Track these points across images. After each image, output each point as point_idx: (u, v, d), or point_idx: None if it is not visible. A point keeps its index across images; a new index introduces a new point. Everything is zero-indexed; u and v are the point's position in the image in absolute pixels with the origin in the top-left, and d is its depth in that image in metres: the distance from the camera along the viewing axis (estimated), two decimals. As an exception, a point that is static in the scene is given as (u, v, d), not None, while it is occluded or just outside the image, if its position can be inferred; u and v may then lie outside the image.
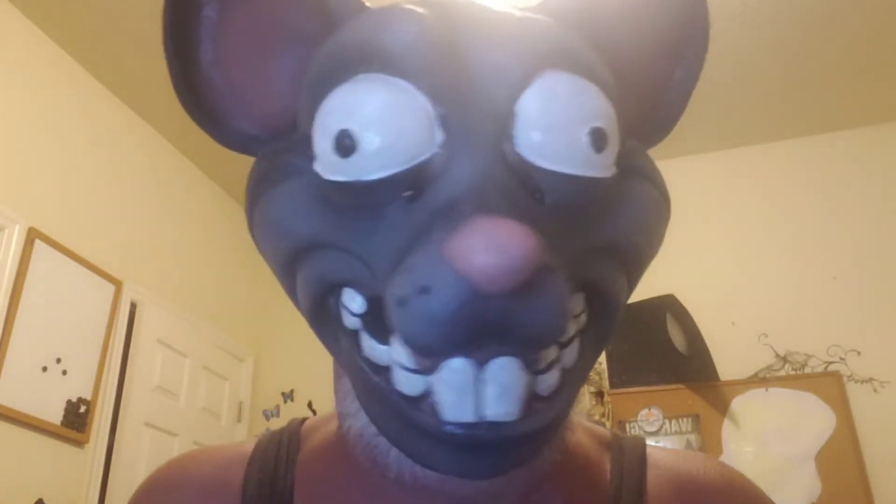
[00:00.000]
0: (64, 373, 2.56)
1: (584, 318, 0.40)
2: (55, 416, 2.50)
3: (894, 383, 2.82)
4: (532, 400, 0.36)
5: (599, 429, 0.53)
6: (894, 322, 2.90)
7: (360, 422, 0.43)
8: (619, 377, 3.02)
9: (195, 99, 0.44)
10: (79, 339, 2.66)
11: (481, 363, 0.34)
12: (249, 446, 0.53)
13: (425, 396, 0.36)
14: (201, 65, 0.44)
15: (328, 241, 0.39)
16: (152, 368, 2.98)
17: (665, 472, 0.50)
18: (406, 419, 0.36)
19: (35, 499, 2.39)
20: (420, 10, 0.40)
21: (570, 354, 0.39)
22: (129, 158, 3.08)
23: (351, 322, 0.39)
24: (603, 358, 3.01)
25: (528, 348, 0.35)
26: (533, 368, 0.36)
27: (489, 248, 0.31)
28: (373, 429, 0.41)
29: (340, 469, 0.47)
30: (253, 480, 0.49)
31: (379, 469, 0.42)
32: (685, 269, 3.03)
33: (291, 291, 0.43)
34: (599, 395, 2.87)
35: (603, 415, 2.82)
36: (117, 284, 2.85)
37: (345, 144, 0.37)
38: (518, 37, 0.39)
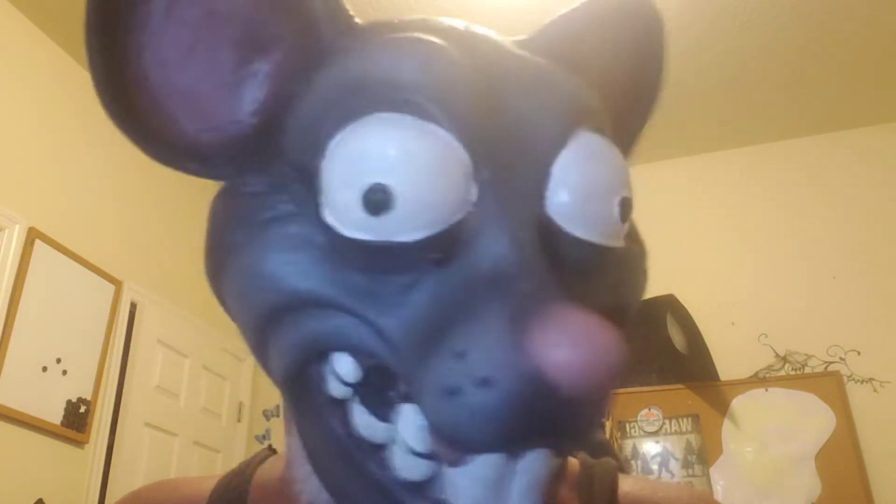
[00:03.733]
0: (64, 373, 2.56)
1: None
2: (55, 416, 2.50)
3: (894, 383, 2.82)
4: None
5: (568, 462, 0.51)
6: (894, 322, 2.89)
7: (310, 488, 0.38)
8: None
9: (121, 98, 0.36)
10: (79, 339, 2.66)
11: (514, 456, 0.31)
12: (210, 485, 0.51)
13: (429, 484, 0.32)
14: (132, 56, 0.36)
15: (327, 299, 0.33)
16: (152, 368, 2.98)
17: None
18: None
19: (35, 499, 2.39)
20: (445, 44, 0.35)
21: None
22: (129, 159, 3.07)
23: (340, 391, 0.35)
24: (603, 358, 3.00)
25: (570, 443, 0.33)
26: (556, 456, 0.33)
27: (579, 344, 0.28)
28: (325, 496, 0.37)
29: None
30: None
31: None
32: (685, 269, 3.03)
33: (261, 352, 0.37)
34: (599, 395, 2.87)
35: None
36: (117, 284, 2.84)
37: (376, 200, 0.31)
38: (550, 89, 0.36)
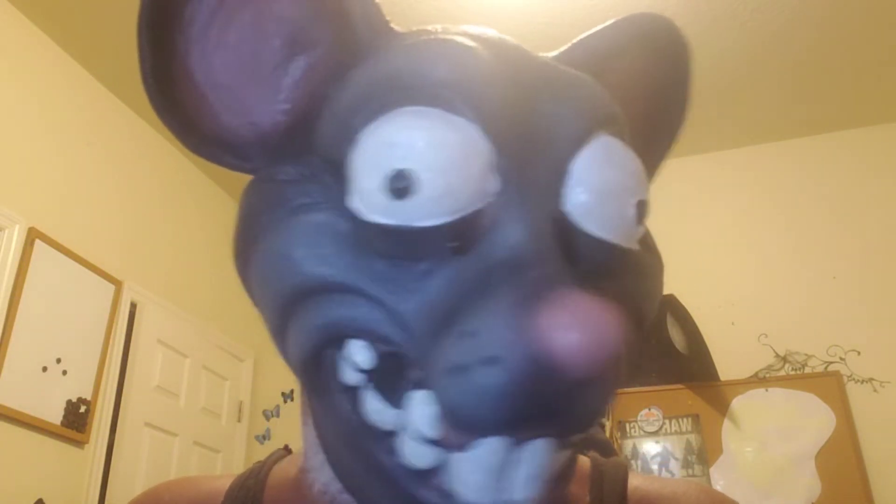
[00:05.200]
0: (64, 373, 2.56)
1: None
2: (55, 416, 2.50)
3: (894, 383, 2.82)
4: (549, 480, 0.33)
5: (579, 459, 0.51)
6: (894, 322, 2.89)
7: (324, 477, 0.40)
8: (619, 377, 3.02)
9: (165, 92, 0.38)
10: (79, 339, 2.66)
11: (518, 443, 0.31)
12: (226, 484, 0.52)
13: (436, 472, 0.33)
14: (180, 53, 0.38)
15: (349, 284, 0.34)
16: (152, 368, 2.98)
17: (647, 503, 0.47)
18: (403, 494, 0.34)
19: (35, 499, 2.39)
20: (478, 47, 0.37)
21: None
22: (129, 158, 3.08)
23: (353, 378, 0.36)
24: (603, 358, 3.00)
25: (573, 431, 0.33)
26: (560, 448, 0.34)
27: (582, 326, 0.28)
28: (337, 485, 0.38)
29: None
30: None
31: None
32: (685, 269, 3.03)
33: (279, 335, 0.39)
34: (599, 395, 2.87)
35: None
36: (117, 284, 2.84)
37: (400, 186, 0.33)
38: (574, 93, 0.38)
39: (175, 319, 3.14)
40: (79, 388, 2.62)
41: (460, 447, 0.32)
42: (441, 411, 0.32)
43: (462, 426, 0.31)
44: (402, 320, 0.33)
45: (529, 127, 0.35)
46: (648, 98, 0.47)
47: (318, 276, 0.35)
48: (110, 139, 3.00)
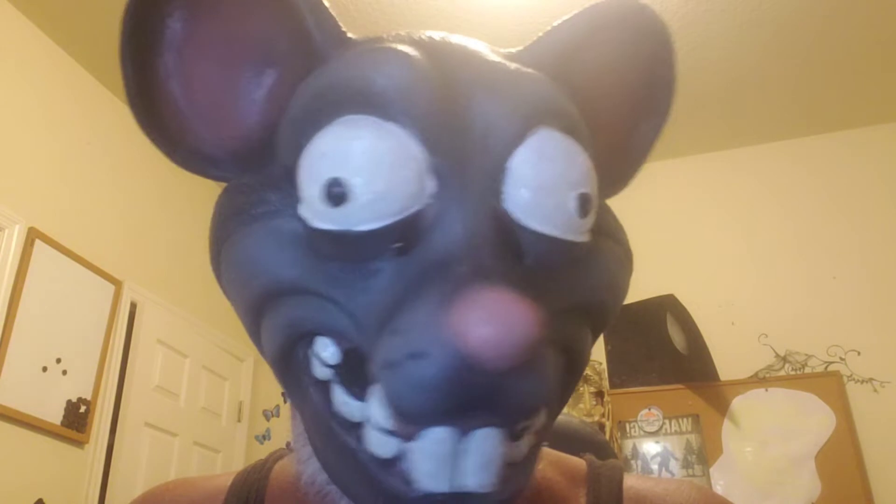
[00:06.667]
0: (64, 373, 2.56)
1: None
2: (55, 416, 2.50)
3: (894, 383, 2.82)
4: (506, 467, 0.35)
5: (574, 462, 0.52)
6: (894, 322, 2.90)
7: (310, 468, 0.42)
8: (619, 377, 3.02)
9: (150, 113, 0.41)
10: (79, 339, 2.66)
11: (464, 433, 0.33)
12: (227, 482, 0.53)
13: (397, 460, 0.35)
14: (160, 77, 0.41)
15: (307, 287, 0.36)
16: (152, 368, 2.98)
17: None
18: (373, 481, 0.35)
19: (35, 499, 2.39)
20: (413, 52, 0.38)
21: (541, 417, 0.38)
22: (129, 158, 3.08)
23: (322, 373, 0.38)
24: (603, 358, 3.01)
25: (513, 420, 0.34)
26: (512, 437, 0.35)
27: (495, 322, 0.30)
28: (324, 476, 0.40)
29: None
30: None
31: None
32: (685, 269, 3.03)
33: (255, 334, 0.41)
34: (599, 395, 2.87)
35: (603, 415, 2.82)
36: (117, 284, 2.84)
37: (335, 193, 0.35)
38: (513, 90, 0.38)
39: (175, 319, 3.14)
40: (79, 388, 2.62)
41: (411, 437, 0.34)
42: (384, 401, 0.34)
43: (404, 417, 0.33)
44: (354, 318, 0.35)
45: (465, 128, 0.36)
46: (631, 79, 0.47)
47: (280, 279, 0.37)
48: (110, 139, 3.00)
